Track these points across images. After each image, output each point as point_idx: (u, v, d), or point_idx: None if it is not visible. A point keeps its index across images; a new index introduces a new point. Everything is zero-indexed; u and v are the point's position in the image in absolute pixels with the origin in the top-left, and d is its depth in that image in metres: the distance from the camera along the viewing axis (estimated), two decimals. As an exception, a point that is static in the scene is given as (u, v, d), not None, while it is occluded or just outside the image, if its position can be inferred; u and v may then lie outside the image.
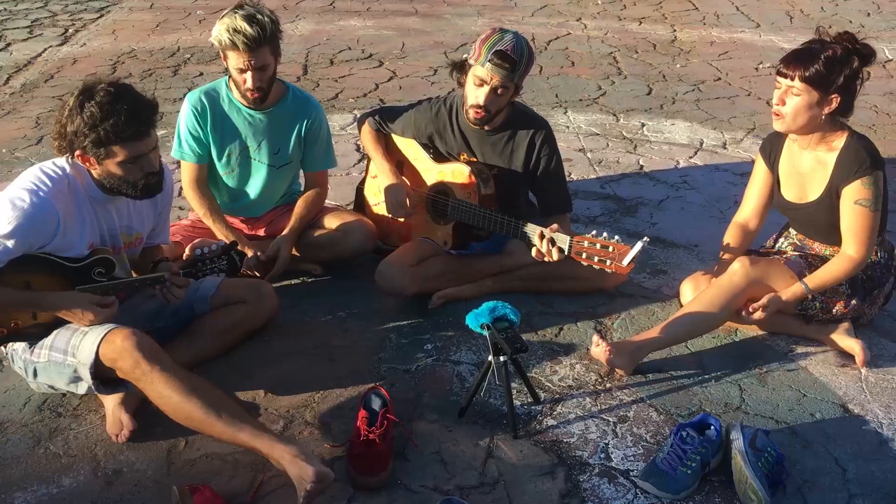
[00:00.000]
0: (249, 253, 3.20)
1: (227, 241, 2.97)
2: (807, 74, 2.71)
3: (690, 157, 4.70)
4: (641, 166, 4.60)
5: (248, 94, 3.18)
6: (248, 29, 3.00)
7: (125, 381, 2.51)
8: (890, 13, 8.27)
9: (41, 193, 2.45)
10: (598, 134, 5.05)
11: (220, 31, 3.05)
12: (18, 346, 2.63)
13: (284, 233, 3.33)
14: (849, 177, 2.79)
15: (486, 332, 2.57)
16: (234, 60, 3.10)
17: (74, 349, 2.52)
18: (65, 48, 7.12)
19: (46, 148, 4.67)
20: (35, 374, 2.63)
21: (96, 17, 8.25)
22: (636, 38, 7.22)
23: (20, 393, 2.76)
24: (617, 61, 6.55)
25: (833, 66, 2.71)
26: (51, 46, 7.16)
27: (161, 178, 2.63)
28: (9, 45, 7.22)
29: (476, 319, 2.58)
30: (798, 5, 8.43)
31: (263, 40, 3.04)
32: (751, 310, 2.87)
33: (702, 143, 4.90)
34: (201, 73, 6.34)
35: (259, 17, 3.04)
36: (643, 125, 5.20)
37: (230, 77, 3.23)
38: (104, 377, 2.52)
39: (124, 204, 2.69)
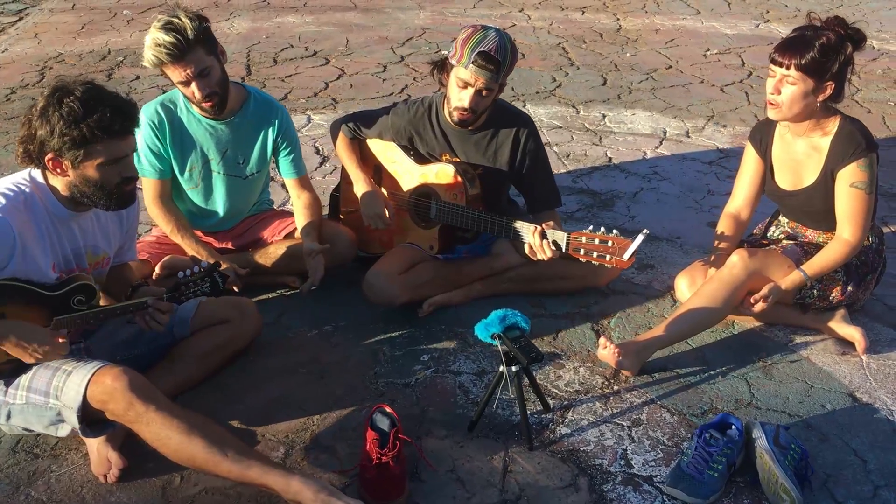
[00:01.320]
0: (225, 265, 3.01)
1: (203, 259, 2.80)
2: (802, 62, 2.68)
3: (657, 147, 4.68)
4: (610, 158, 4.55)
5: (203, 104, 2.97)
6: (166, 38, 2.78)
7: (112, 421, 2.31)
8: (822, -4, 8.46)
9: None
10: (560, 127, 4.99)
11: (146, 52, 2.84)
12: (-13, 386, 2.40)
13: (309, 244, 3.08)
14: (844, 159, 2.77)
15: (497, 343, 2.46)
16: (172, 75, 2.89)
17: (58, 391, 2.29)
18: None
19: (-19, 163, 4.37)
20: (9, 417, 2.40)
21: (15, 21, 7.82)
22: (581, 27, 7.20)
23: (-11, 435, 2.54)
24: (566, 52, 6.51)
25: (828, 53, 2.67)
26: (-30, 53, 6.74)
27: (135, 188, 2.43)
28: (-76, 52, 6.77)
29: (486, 329, 2.47)
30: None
31: (187, 44, 2.82)
32: (752, 301, 2.84)
33: (665, 133, 4.89)
34: (137, 77, 6.05)
35: (176, 21, 2.81)
36: (604, 116, 5.16)
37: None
38: (90, 419, 2.31)
39: (88, 221, 2.48)
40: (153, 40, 2.80)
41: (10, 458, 2.45)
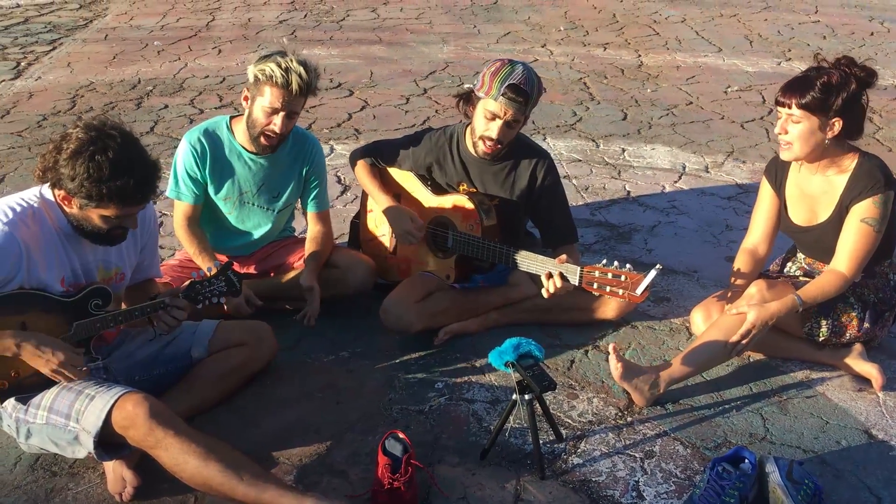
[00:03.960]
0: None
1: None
2: (803, 101, 2.72)
3: (675, 182, 4.70)
4: (628, 192, 4.58)
5: (267, 136, 3.05)
6: (304, 74, 2.94)
7: (127, 446, 2.35)
8: (844, 35, 8.49)
9: (1, 224, 2.29)
10: (580, 160, 5.03)
11: (270, 67, 2.93)
12: (8, 405, 2.44)
13: (307, 278, 3.14)
14: (861, 193, 2.78)
15: (510, 371, 2.48)
16: (270, 98, 2.96)
17: (79, 414, 2.34)
18: (18, 82, 6.88)
19: (10, 187, 4.48)
20: (28, 435, 2.44)
21: (49, 50, 8.01)
22: (603, 63, 7.26)
23: (9, 451, 2.58)
24: (588, 86, 6.57)
25: (829, 90, 2.71)
26: (3, 81, 6.91)
27: (125, 234, 2.48)
28: (-40, 79, 6.95)
29: (500, 357, 2.49)
30: (756, 29, 8.60)
31: (308, 89, 2.98)
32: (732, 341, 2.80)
33: (684, 168, 4.91)
34: (166, 106, 6.17)
35: (310, 67, 2.99)
36: (623, 150, 5.20)
37: (248, 115, 3.07)
38: (106, 443, 2.35)
39: None
40: (287, 66, 2.92)
41: (28, 475, 2.49)
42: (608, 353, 2.79)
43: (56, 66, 7.35)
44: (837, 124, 2.75)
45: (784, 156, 2.86)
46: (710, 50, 7.76)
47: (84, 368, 2.41)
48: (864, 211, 2.79)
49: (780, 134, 2.82)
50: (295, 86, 2.92)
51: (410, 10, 9.55)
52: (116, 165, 2.23)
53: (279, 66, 2.92)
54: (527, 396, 2.45)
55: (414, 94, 6.42)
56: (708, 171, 4.86)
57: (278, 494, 2.23)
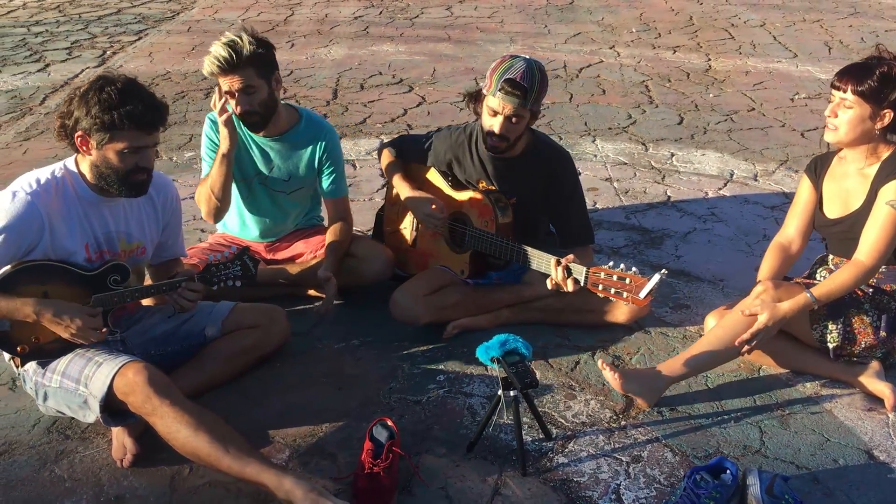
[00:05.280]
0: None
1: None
2: (860, 88, 2.72)
3: (720, 189, 4.61)
4: (669, 197, 4.51)
5: (243, 118, 3.16)
6: (221, 52, 3.01)
7: (132, 414, 2.49)
8: (932, 44, 8.10)
9: (24, 193, 2.48)
10: (625, 163, 4.98)
11: (204, 61, 3.07)
12: (30, 368, 2.63)
13: (324, 269, 3.20)
14: (889, 176, 2.75)
15: (495, 366, 2.51)
16: (222, 84, 3.10)
17: (87, 379, 2.51)
18: (101, 70, 7.24)
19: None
20: (45, 398, 2.63)
21: (135, 40, 8.40)
22: (669, 66, 7.15)
23: (30, 414, 2.76)
24: (649, 90, 6.48)
25: (887, 81, 2.71)
26: (88, 68, 7.28)
27: (148, 180, 2.62)
28: (47, 65, 7.36)
29: (486, 353, 2.53)
30: (838, 36, 8.30)
31: (238, 62, 3.02)
32: (736, 343, 2.75)
33: (732, 175, 4.81)
34: (233, 96, 6.38)
35: (237, 40, 3.04)
36: (672, 155, 5.12)
37: None
38: (112, 409, 2.51)
39: (120, 209, 2.69)
40: (212, 52, 3.04)
41: (44, 436, 2.67)
42: (617, 364, 2.79)
43: (138, 56, 7.71)
44: (888, 116, 2.75)
45: (828, 136, 2.87)
46: (785, 55, 7.54)
47: (103, 330, 2.58)
48: (889, 193, 2.74)
49: (829, 116, 2.82)
50: (215, 68, 3.02)
51: (484, 9, 9.59)
52: (124, 93, 2.44)
53: (209, 56, 3.04)
54: (512, 393, 2.47)
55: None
56: (756, 180, 4.74)
57: (260, 469, 2.33)
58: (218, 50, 3.03)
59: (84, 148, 2.51)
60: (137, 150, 2.50)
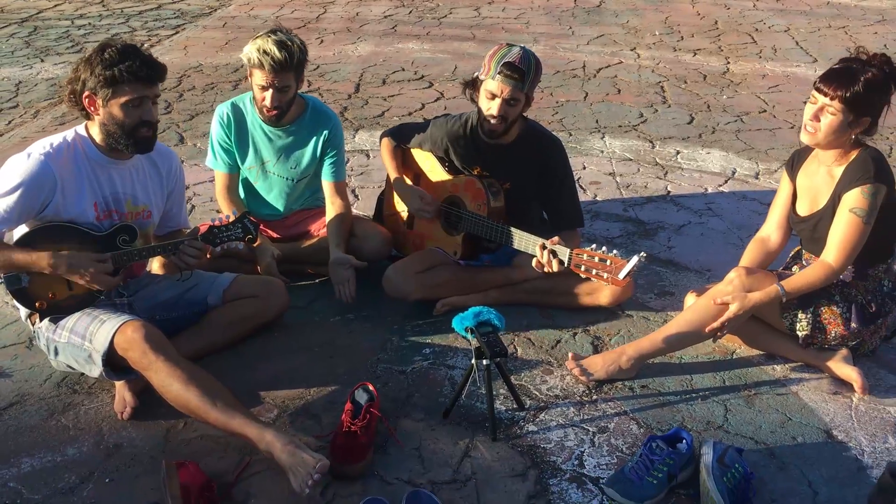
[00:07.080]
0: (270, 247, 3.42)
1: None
2: (847, 96, 2.74)
3: (720, 185, 4.71)
4: (668, 192, 4.63)
5: (265, 111, 3.36)
6: (277, 53, 3.19)
7: (133, 370, 2.70)
8: (958, 52, 8.06)
9: (38, 154, 2.71)
10: (630, 159, 5.10)
11: (250, 50, 3.25)
12: (44, 325, 2.85)
13: (341, 256, 3.36)
14: (851, 183, 2.82)
15: (469, 336, 2.67)
16: (258, 78, 3.28)
17: (92, 335, 2.72)
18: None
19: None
20: (56, 353, 2.84)
21: (172, 34, 8.68)
22: (687, 68, 7.23)
23: (43, 370, 2.98)
24: (664, 90, 6.58)
25: (872, 90, 2.74)
26: (124, 59, 7.55)
27: (154, 137, 2.83)
28: (86, 56, 7.65)
29: (461, 322, 2.69)
30: (861, 42, 8.29)
31: (290, 66, 3.23)
32: (706, 330, 2.88)
33: (734, 172, 4.90)
34: (259, 89, 6.61)
35: (289, 44, 3.23)
36: (678, 152, 5.23)
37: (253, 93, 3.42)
38: (115, 364, 2.72)
39: (127, 172, 2.90)
40: (263, 47, 3.21)
41: (54, 390, 2.88)
42: (596, 344, 2.93)
43: (174, 49, 7.98)
44: (866, 122, 2.81)
45: (804, 138, 2.89)
46: (805, 60, 7.58)
47: (115, 278, 2.80)
48: (852, 200, 2.81)
49: (809, 120, 2.83)
50: (267, 66, 3.19)
51: (512, 10, 9.73)
52: (124, 52, 2.67)
53: (258, 49, 3.20)
54: (484, 362, 2.63)
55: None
56: (757, 178, 4.83)
57: (244, 423, 2.51)
58: (273, 49, 3.19)
59: (92, 108, 2.73)
60: (140, 103, 2.71)
